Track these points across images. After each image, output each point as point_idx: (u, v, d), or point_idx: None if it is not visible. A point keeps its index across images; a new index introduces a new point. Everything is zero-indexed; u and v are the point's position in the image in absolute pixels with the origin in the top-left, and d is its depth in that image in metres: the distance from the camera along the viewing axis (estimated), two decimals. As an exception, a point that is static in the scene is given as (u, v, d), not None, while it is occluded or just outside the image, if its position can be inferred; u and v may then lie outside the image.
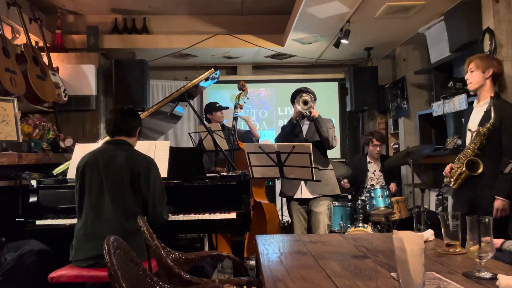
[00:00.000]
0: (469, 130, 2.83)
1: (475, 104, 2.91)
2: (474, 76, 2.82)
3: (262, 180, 4.07)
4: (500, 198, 2.63)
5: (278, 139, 3.51)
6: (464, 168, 2.76)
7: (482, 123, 2.75)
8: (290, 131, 3.45)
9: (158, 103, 3.42)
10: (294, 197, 3.43)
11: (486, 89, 2.81)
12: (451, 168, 2.89)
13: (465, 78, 2.89)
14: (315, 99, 3.49)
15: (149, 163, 2.59)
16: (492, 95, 2.76)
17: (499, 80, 2.85)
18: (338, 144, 3.79)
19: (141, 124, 2.75)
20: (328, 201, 3.45)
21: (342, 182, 4.62)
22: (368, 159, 4.78)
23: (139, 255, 1.67)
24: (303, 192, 3.38)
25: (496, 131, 2.67)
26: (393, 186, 4.55)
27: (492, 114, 2.62)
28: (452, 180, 2.88)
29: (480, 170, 2.69)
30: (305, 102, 3.31)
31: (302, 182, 3.37)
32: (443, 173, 2.95)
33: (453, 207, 3.02)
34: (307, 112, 3.31)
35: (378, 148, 4.68)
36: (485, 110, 2.77)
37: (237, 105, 4.28)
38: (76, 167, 2.61)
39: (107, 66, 5.36)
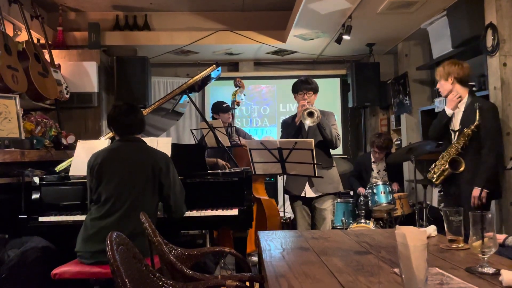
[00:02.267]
0: (452, 130, 3.03)
1: None
2: (441, 85, 3.09)
3: (261, 176, 4.07)
4: (477, 187, 2.82)
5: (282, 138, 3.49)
6: (447, 166, 2.94)
7: (462, 122, 2.95)
8: (295, 136, 3.41)
9: (160, 99, 3.42)
10: (298, 196, 3.42)
11: (458, 92, 3.01)
12: (435, 164, 3.08)
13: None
14: (317, 91, 3.45)
15: (168, 159, 2.62)
16: (467, 95, 2.99)
17: (466, 81, 3.04)
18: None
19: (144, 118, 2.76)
20: (332, 198, 3.46)
21: (358, 191, 4.59)
22: (373, 159, 4.76)
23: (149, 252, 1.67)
24: (307, 191, 3.37)
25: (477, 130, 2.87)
26: (395, 185, 4.54)
27: (477, 117, 2.82)
28: (435, 176, 3.06)
29: (462, 168, 2.90)
30: (311, 114, 3.20)
31: (307, 182, 3.36)
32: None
33: (443, 201, 3.16)
34: (315, 123, 3.23)
35: (376, 155, 4.69)
36: (463, 110, 2.98)
37: (234, 102, 4.28)
38: (89, 165, 2.59)
39: (109, 63, 5.35)
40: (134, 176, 2.51)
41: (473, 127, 2.84)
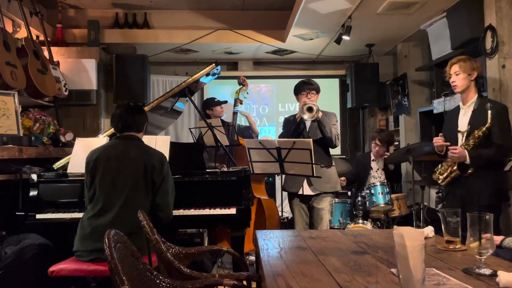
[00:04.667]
0: (460, 131, 2.90)
1: (461, 105, 2.95)
2: (460, 79, 2.86)
3: (261, 176, 4.06)
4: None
5: (282, 137, 3.50)
6: (455, 168, 2.83)
7: (472, 123, 2.82)
8: (295, 131, 3.42)
9: (159, 98, 3.41)
10: (296, 193, 3.43)
11: (471, 91, 2.89)
12: (441, 165, 2.96)
13: (451, 81, 2.92)
14: (319, 91, 3.47)
15: (162, 158, 2.62)
16: (476, 95, 2.87)
17: (479, 81, 2.95)
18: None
19: (148, 120, 2.77)
20: (330, 197, 3.47)
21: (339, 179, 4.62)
22: (372, 157, 4.75)
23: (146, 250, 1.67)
24: (305, 189, 3.38)
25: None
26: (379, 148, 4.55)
27: (489, 120, 2.67)
28: (441, 177, 2.97)
29: (470, 171, 2.77)
30: (310, 110, 3.24)
31: (305, 180, 3.36)
32: (435, 144, 2.93)
33: (447, 203, 3.07)
34: (313, 118, 3.26)
35: (377, 148, 4.65)
36: (472, 110, 2.85)
37: (237, 100, 4.26)
38: (86, 161, 2.61)
39: (108, 61, 5.35)
40: (126, 173, 2.51)
41: (484, 128, 2.70)
